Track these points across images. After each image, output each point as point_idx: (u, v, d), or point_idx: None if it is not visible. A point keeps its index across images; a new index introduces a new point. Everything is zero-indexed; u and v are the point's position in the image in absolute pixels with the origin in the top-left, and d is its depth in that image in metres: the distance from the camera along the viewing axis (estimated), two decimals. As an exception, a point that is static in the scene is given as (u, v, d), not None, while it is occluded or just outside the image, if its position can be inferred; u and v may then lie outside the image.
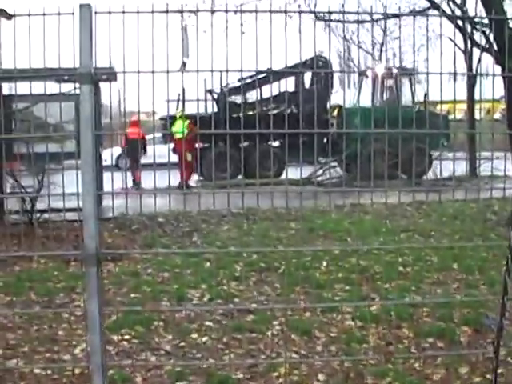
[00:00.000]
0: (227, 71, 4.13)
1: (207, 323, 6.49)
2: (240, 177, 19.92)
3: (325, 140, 15.66)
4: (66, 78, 3.20)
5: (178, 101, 19.25)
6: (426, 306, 6.76)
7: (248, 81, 21.36)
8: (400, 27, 12.20)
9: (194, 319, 6.61)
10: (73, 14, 3.16)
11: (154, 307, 6.96)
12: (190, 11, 4.05)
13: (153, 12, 3.39)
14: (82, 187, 3.03)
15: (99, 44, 3.43)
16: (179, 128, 16.05)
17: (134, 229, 11.50)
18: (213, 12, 4.25)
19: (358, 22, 22.15)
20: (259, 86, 20.57)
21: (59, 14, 3.28)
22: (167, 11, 3.44)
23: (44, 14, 3.27)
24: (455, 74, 5.43)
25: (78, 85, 3.17)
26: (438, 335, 6.04)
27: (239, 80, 19.74)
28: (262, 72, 10.68)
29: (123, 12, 3.33)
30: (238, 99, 22.10)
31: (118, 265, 8.71)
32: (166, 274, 8.47)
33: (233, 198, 5.62)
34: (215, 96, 21.72)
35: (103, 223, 11.25)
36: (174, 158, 15.92)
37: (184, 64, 12.93)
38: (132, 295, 7.59)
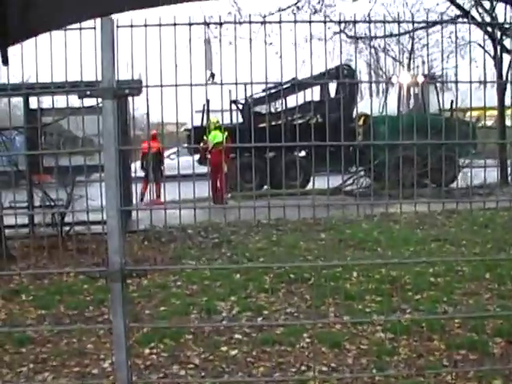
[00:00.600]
0: (251, 83, 4.10)
1: (236, 336, 6.45)
2: (266, 187, 19.90)
3: (351, 149, 15.59)
4: (88, 93, 3.18)
5: (203, 112, 19.32)
6: (458, 317, 6.66)
7: (273, 91, 21.34)
8: (428, 35, 12.15)
9: (223, 332, 6.57)
10: (94, 28, 3.16)
11: (182, 321, 6.93)
12: (214, 23, 4.02)
13: (175, 25, 3.37)
14: (106, 202, 3.02)
15: (122, 57, 3.43)
16: (218, 138, 16.02)
17: (163, 241, 11.50)
18: (238, 23, 4.23)
19: (385, 36, 22.08)
20: (284, 96, 20.53)
21: (81, 28, 3.28)
22: (190, 23, 3.42)
23: (66, 29, 3.27)
24: (484, 82, 5.33)
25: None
26: (470, 347, 5.93)
27: (264, 90, 19.73)
28: (286, 82, 10.64)
29: (145, 25, 3.32)
30: (262, 109, 22.12)
31: (146, 277, 8.71)
32: (194, 286, 8.44)
33: (260, 207, 5.59)
34: (240, 107, 21.77)
35: (132, 236, 11.29)
36: (200, 169, 15.79)
37: (212, 75, 12.93)
38: (161, 308, 7.57)
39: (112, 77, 3.05)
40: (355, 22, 4.89)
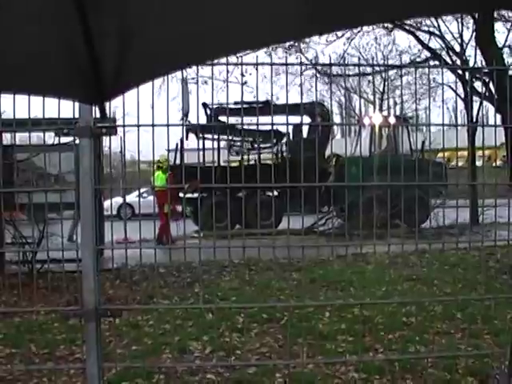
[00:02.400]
0: (229, 124, 4.14)
1: (209, 376, 6.40)
2: (238, 226, 19.86)
3: (323, 189, 15.65)
4: (65, 131, 3.18)
5: (176, 150, 19.34)
6: (430, 357, 6.67)
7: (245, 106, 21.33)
8: (401, 76, 12.36)
9: (196, 372, 6.52)
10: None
11: (154, 360, 6.87)
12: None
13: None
14: (81, 241, 3.01)
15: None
16: (160, 180, 16.02)
17: (135, 280, 11.41)
18: (214, 65, 4.28)
19: (360, 74, 22.38)
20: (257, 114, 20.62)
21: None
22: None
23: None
24: (456, 125, 5.45)
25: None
26: (444, 387, 5.95)
27: (236, 102, 19.67)
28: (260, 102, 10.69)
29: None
30: (233, 121, 22.00)
31: (121, 317, 8.60)
32: (167, 325, 8.37)
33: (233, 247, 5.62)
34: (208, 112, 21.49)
35: (104, 274, 11.19)
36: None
37: (186, 115, 12.99)
38: (133, 347, 7.50)
39: (90, 115, 3.05)
40: (331, 65, 5.00)
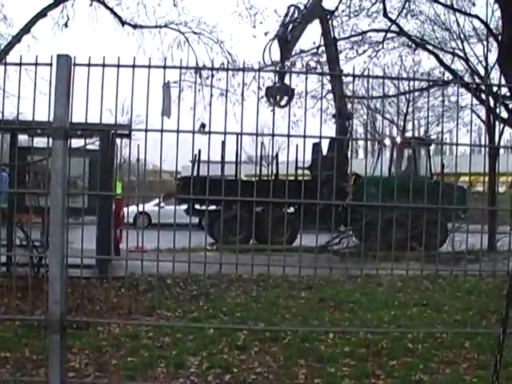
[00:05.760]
0: (241, 133, 4.00)
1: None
2: (252, 241, 19.71)
3: (340, 208, 15.45)
4: (39, 131, 3.03)
5: (194, 162, 19.25)
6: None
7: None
8: (429, 96, 12.22)
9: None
10: (51, 64, 2.99)
11: (148, 374, 6.67)
12: (183, 67, 3.89)
13: (134, 66, 3.23)
14: (50, 248, 2.84)
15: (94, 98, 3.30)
16: (118, 189, 16.03)
17: (140, 290, 11.27)
18: (229, 70, 4.11)
19: (383, 97, 22.26)
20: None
21: (36, 64, 3.11)
22: (149, 66, 3.28)
23: (20, 64, 3.10)
24: (474, 145, 5.26)
25: (88, 140, 3.01)
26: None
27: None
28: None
29: (103, 65, 3.16)
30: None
31: (88, 329, 8.34)
32: (166, 338, 8.19)
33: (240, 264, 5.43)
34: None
35: (111, 282, 11.09)
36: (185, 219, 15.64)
37: (203, 125, 12.84)
38: (129, 359, 7.33)
39: (65, 116, 2.89)
40: (354, 76, 4.81)
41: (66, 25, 20.79)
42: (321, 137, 4.96)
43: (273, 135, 4.38)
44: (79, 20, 24.74)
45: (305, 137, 6.45)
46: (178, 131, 3.77)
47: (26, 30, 18.11)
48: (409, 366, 7.27)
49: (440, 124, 29.88)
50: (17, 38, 17.81)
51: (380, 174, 20.04)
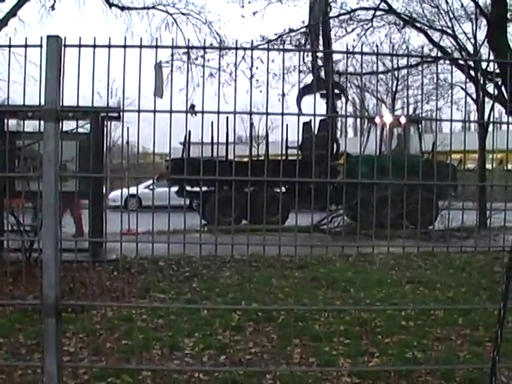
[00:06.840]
0: (234, 113, 3.98)
1: (196, 374, 6.20)
2: (245, 222, 19.68)
3: (331, 188, 15.43)
4: (29, 114, 2.99)
5: (184, 143, 19.17)
6: (428, 363, 6.45)
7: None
8: (423, 71, 12.18)
9: (184, 371, 6.32)
10: (41, 46, 2.94)
11: (143, 357, 6.67)
12: (176, 47, 3.85)
13: (125, 47, 3.18)
14: (43, 231, 2.81)
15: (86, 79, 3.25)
16: None
17: (133, 272, 11.23)
18: (222, 49, 4.08)
19: (373, 72, 22.17)
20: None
21: (26, 45, 3.06)
22: (140, 46, 3.23)
23: (10, 46, 3.04)
24: (465, 121, 5.23)
25: (80, 123, 2.98)
26: (439, 395, 5.74)
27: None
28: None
29: (94, 46, 3.12)
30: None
31: (82, 313, 8.33)
32: (160, 320, 8.19)
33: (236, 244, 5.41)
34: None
35: (103, 265, 11.04)
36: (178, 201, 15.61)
37: (192, 106, 12.78)
38: (124, 341, 7.33)
39: (56, 98, 2.84)
40: (347, 53, 4.79)
41: (52, 7, 20.60)
42: (315, 115, 4.93)
43: (266, 114, 4.34)
44: (66, 2, 24.45)
45: (299, 115, 6.42)
46: (170, 111, 3.73)
47: (13, 13, 17.91)
48: (403, 344, 7.30)
49: (429, 102, 29.83)
50: (3, 22, 17.61)
51: (373, 153, 20.03)
